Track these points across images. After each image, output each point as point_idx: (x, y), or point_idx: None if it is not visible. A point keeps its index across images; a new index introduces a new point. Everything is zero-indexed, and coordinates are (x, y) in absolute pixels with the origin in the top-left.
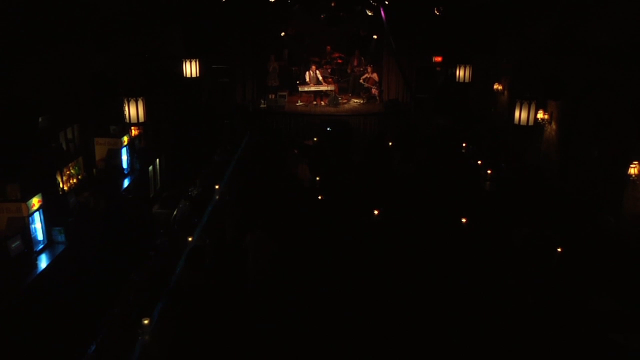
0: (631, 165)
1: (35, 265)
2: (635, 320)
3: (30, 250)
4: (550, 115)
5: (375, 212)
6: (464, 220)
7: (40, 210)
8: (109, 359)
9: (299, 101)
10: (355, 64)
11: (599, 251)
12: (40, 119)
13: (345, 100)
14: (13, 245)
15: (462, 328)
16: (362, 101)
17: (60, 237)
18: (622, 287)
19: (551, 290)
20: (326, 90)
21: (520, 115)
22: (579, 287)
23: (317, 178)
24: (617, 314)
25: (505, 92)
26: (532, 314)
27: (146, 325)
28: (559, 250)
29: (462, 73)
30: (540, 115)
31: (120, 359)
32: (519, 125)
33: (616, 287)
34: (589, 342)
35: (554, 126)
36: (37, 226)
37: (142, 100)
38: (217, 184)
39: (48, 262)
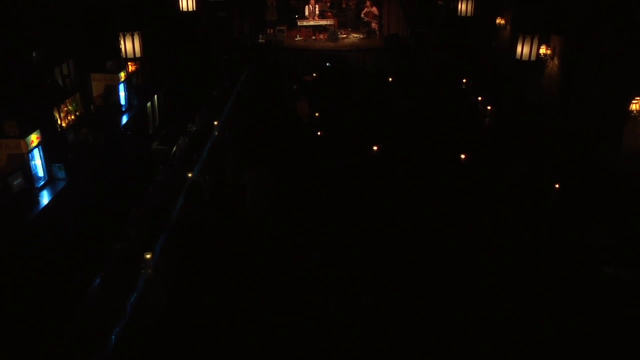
0: (633, 101)
1: (37, 201)
2: (628, 255)
3: (31, 187)
4: (553, 51)
5: (375, 148)
6: (462, 156)
7: (40, 147)
8: (112, 293)
9: (297, 36)
10: None
11: (597, 188)
12: (33, 54)
13: (344, 35)
14: (14, 182)
15: (457, 262)
16: (361, 36)
17: (61, 174)
18: (619, 223)
19: (548, 226)
20: (325, 25)
21: (522, 50)
22: (576, 223)
23: (317, 114)
24: (611, 249)
25: (508, 26)
26: (528, 249)
27: (148, 259)
28: (557, 186)
29: (463, 7)
30: (542, 50)
31: (124, 292)
32: (520, 61)
33: (613, 223)
34: (582, 275)
35: (556, 62)
36: (37, 163)
37: (138, 34)
38: (216, 120)
39: (50, 198)
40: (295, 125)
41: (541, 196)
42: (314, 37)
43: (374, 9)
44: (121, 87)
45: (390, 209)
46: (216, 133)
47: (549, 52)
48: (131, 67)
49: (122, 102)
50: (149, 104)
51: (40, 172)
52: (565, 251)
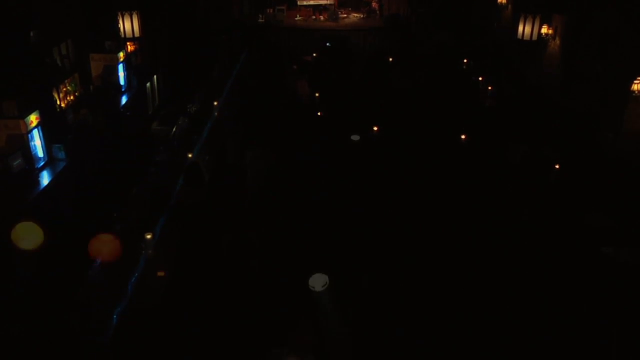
0: (635, 82)
1: (37, 181)
2: (627, 235)
3: (31, 167)
4: (555, 30)
5: (375, 128)
6: (463, 136)
7: (39, 127)
8: (113, 273)
9: (297, 15)
10: None
11: (597, 168)
12: (31, 34)
13: (345, 15)
14: (14, 163)
15: (457, 241)
16: (362, 15)
17: (61, 154)
18: (618, 203)
19: (547, 207)
20: (325, 4)
21: (524, 29)
22: (575, 204)
23: (316, 94)
24: (610, 229)
25: (509, 5)
26: (528, 229)
27: (149, 239)
28: (557, 167)
29: None
30: (544, 30)
31: (125, 273)
32: (522, 40)
33: (612, 203)
34: (581, 255)
35: (557, 41)
36: (37, 143)
37: (137, 14)
38: (216, 101)
39: (50, 179)
40: (295, 105)
41: (541, 176)
42: (314, 17)
43: None
44: (120, 67)
45: (389, 190)
46: (216, 113)
47: (550, 31)
48: (130, 47)
49: (122, 82)
50: (148, 84)
51: (40, 153)
52: (564, 231)
